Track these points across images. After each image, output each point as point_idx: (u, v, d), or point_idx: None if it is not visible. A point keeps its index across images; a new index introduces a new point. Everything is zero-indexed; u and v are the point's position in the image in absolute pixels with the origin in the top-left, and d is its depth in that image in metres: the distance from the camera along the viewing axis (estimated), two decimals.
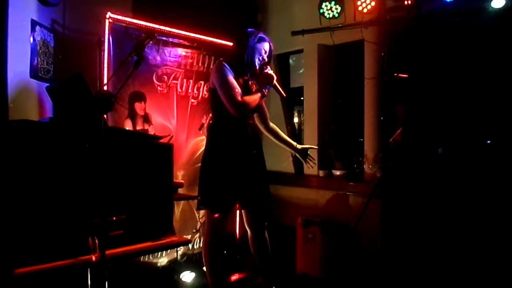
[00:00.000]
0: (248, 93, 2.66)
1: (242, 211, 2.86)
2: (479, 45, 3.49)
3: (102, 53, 3.08)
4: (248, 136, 2.72)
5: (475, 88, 3.64)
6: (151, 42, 2.05)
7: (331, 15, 3.43)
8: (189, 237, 3.59)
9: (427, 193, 3.30)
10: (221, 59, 2.70)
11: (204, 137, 3.50)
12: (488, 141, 3.56)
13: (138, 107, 3.31)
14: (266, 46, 2.74)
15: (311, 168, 3.18)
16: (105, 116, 1.90)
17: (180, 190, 3.16)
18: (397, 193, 3.18)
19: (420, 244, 3.20)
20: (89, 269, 2.00)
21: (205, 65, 3.70)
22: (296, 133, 4.74)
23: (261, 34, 2.73)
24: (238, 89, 2.58)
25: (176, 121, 3.54)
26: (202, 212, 3.64)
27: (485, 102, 3.59)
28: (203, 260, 2.83)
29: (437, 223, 3.17)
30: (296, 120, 4.82)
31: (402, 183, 3.40)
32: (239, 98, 2.55)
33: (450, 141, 3.74)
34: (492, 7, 2.81)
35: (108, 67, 3.08)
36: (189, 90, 3.63)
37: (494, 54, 3.40)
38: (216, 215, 2.70)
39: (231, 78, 2.58)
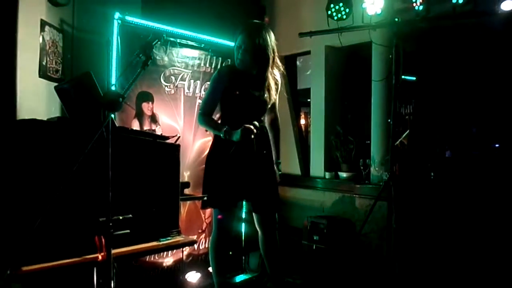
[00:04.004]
0: (251, 90, 2.67)
1: (253, 212, 2.85)
2: (488, 48, 3.47)
3: (111, 53, 3.10)
4: (253, 138, 2.70)
5: (483, 91, 3.61)
6: (159, 42, 2.06)
7: (339, 17, 3.42)
8: (195, 237, 3.59)
9: (434, 196, 3.28)
10: (229, 63, 2.73)
11: (211, 138, 3.51)
12: (497, 145, 3.54)
13: (146, 107, 3.32)
14: (238, 39, 2.66)
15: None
16: (112, 115, 1.91)
17: (187, 191, 3.16)
18: (404, 195, 3.16)
19: (427, 247, 3.18)
20: (95, 268, 2.01)
21: (212, 66, 3.71)
22: (303, 135, 4.73)
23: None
24: (212, 101, 2.72)
25: (183, 122, 3.55)
26: (208, 212, 3.64)
27: (494, 105, 3.57)
28: (210, 260, 2.84)
29: (444, 227, 3.14)
30: (303, 121, 4.81)
31: (409, 185, 3.38)
32: (203, 110, 2.72)
33: (457, 144, 3.72)
34: (502, 9, 2.79)
35: (116, 67, 3.10)
36: (197, 91, 3.64)
37: (504, 57, 3.37)
38: (220, 216, 2.71)
39: (213, 87, 2.71)
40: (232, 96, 2.68)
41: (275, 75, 2.79)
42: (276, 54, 2.74)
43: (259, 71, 2.67)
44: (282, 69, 2.83)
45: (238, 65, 2.68)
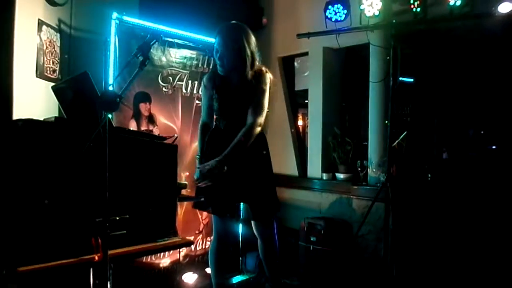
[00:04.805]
0: (233, 94, 2.59)
1: (251, 220, 2.82)
2: (485, 50, 3.48)
3: (108, 53, 3.10)
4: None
5: (481, 93, 3.62)
6: (156, 43, 2.05)
7: (336, 18, 3.43)
8: (192, 238, 3.59)
9: (431, 197, 3.29)
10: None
11: None
12: (494, 146, 3.55)
13: (143, 107, 3.31)
14: (214, 43, 2.58)
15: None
16: (110, 116, 1.90)
17: (184, 191, 3.16)
18: (401, 197, 3.16)
19: (424, 248, 3.19)
20: (91, 269, 2.01)
21: (210, 67, 3.71)
22: (301, 136, 4.74)
23: None
24: (205, 108, 2.71)
25: (180, 122, 3.55)
26: (205, 213, 3.64)
27: (491, 106, 3.58)
28: (209, 262, 2.83)
29: (441, 228, 3.15)
30: (300, 123, 4.82)
31: (406, 187, 3.39)
32: (202, 118, 2.75)
33: (454, 146, 3.73)
34: (499, 11, 2.79)
35: (113, 67, 3.10)
36: (194, 92, 3.63)
37: (501, 59, 3.38)
38: (217, 220, 2.69)
39: (203, 96, 2.73)
40: (216, 102, 2.64)
41: (262, 77, 2.59)
42: (256, 55, 2.60)
43: (239, 75, 2.57)
44: (266, 70, 2.65)
45: (219, 70, 2.60)
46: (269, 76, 2.63)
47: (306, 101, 4.47)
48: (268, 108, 2.72)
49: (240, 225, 3.80)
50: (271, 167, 2.76)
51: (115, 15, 3.10)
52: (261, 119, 2.55)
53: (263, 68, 2.66)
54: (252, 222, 2.79)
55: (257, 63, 2.62)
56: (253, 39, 2.60)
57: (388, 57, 3.27)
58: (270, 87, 2.62)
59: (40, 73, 2.97)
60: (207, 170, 2.43)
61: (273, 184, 2.73)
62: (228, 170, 2.51)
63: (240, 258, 3.87)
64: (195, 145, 3.61)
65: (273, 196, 2.72)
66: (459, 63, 3.69)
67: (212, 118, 2.77)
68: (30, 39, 2.87)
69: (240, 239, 3.84)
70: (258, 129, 2.53)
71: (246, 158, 2.59)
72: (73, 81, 2.34)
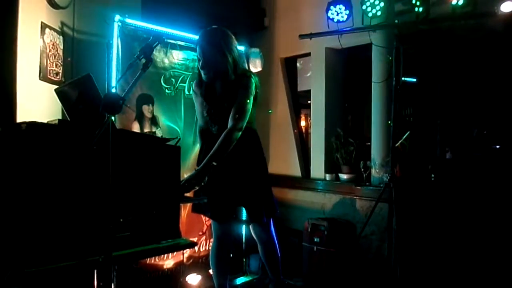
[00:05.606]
0: (218, 101, 2.59)
1: (250, 224, 2.81)
2: (488, 49, 3.47)
3: (111, 56, 3.10)
4: (235, 147, 2.51)
5: (484, 92, 3.61)
6: (159, 45, 2.05)
7: (339, 19, 3.43)
8: (195, 239, 3.59)
9: (434, 197, 3.28)
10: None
11: None
12: (497, 146, 3.53)
13: (146, 109, 3.32)
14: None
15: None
16: (113, 118, 1.91)
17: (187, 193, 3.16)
18: (404, 197, 3.16)
19: (428, 249, 3.18)
20: (95, 270, 2.01)
21: None
22: (303, 137, 4.73)
23: None
24: (198, 115, 2.73)
25: (183, 124, 3.55)
26: None
27: (495, 106, 3.57)
28: (210, 264, 2.84)
29: (445, 228, 3.14)
30: (303, 123, 4.81)
31: (410, 187, 3.38)
32: (198, 124, 2.80)
33: (458, 146, 3.72)
34: (501, 10, 2.79)
35: (116, 69, 3.10)
36: None
37: (503, 58, 3.38)
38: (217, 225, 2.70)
39: (195, 102, 2.74)
40: (205, 109, 2.64)
41: (245, 81, 2.54)
42: (237, 59, 2.57)
43: (222, 82, 2.57)
44: (251, 73, 2.63)
45: (203, 78, 2.58)
46: (253, 80, 2.58)
47: (309, 101, 4.47)
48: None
49: (244, 227, 3.80)
50: (267, 169, 2.75)
51: (117, 17, 3.11)
52: (242, 123, 2.49)
53: (247, 72, 2.64)
54: (250, 226, 2.79)
55: (240, 67, 2.61)
56: (234, 43, 2.57)
57: (390, 57, 3.27)
58: (255, 90, 2.59)
59: (43, 76, 2.98)
60: (186, 181, 2.36)
61: (268, 187, 2.71)
62: (224, 174, 2.52)
63: (244, 260, 3.87)
64: (198, 146, 3.61)
65: (269, 198, 2.69)
66: (462, 62, 3.68)
67: (205, 124, 2.76)
68: (33, 42, 2.88)
69: (244, 241, 3.84)
70: (239, 133, 2.46)
71: (241, 161, 2.58)
72: (76, 84, 2.34)
